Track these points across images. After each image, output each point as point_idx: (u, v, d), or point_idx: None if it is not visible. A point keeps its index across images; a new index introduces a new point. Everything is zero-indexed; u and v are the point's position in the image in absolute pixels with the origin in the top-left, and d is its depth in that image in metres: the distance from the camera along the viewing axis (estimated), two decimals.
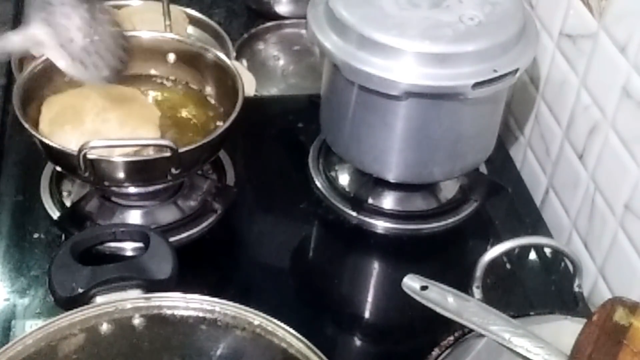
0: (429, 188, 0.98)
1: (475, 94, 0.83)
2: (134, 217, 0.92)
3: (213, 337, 0.66)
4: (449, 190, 0.99)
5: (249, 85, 1.08)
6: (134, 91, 0.95)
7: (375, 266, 0.95)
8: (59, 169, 0.91)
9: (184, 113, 0.97)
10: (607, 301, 0.62)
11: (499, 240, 0.78)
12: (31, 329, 0.64)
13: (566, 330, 0.64)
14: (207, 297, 0.67)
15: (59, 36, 0.75)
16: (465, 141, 0.91)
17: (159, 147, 0.86)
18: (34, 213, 0.93)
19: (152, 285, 0.71)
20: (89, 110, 0.89)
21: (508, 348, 0.63)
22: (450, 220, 0.96)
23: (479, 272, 0.75)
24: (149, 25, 1.07)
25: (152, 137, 0.89)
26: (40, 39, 0.75)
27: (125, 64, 0.80)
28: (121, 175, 0.85)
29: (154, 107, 0.95)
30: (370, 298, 0.91)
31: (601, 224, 0.88)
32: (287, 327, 0.65)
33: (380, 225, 0.95)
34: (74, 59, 0.76)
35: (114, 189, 0.90)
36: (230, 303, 0.67)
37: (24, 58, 1.07)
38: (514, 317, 0.67)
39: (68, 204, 0.93)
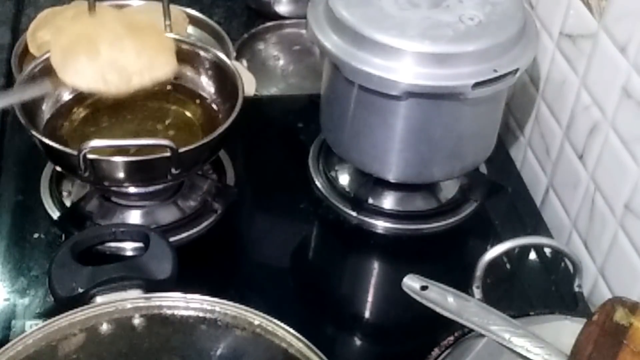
0: (429, 188, 0.98)
1: (475, 94, 0.83)
2: (134, 217, 0.92)
3: (213, 337, 0.66)
4: (449, 190, 0.99)
5: (249, 85, 1.08)
6: (148, 20, 0.93)
7: (375, 266, 0.95)
8: (59, 169, 0.91)
9: (184, 113, 0.97)
10: (607, 301, 0.62)
11: (499, 240, 0.78)
12: (31, 329, 0.64)
13: (566, 330, 0.64)
14: (207, 297, 0.67)
15: None
16: (465, 141, 0.91)
17: (159, 147, 0.86)
18: (34, 213, 0.93)
19: (152, 285, 0.71)
20: (104, 38, 0.87)
21: (508, 348, 0.63)
22: (450, 220, 0.96)
23: (479, 272, 0.75)
24: None
25: (152, 138, 0.89)
26: None
27: None
28: (121, 175, 0.85)
29: (169, 37, 0.93)
30: (370, 298, 0.91)
31: (601, 224, 0.88)
32: (287, 327, 0.65)
33: (380, 225, 0.95)
34: None
35: (114, 189, 0.90)
36: (230, 303, 0.67)
37: (24, 58, 1.07)
38: (514, 317, 0.67)
39: (68, 204, 0.93)
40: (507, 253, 0.82)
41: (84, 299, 0.69)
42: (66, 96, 0.95)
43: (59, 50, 0.87)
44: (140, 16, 0.93)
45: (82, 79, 0.86)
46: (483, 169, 1.02)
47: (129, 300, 0.67)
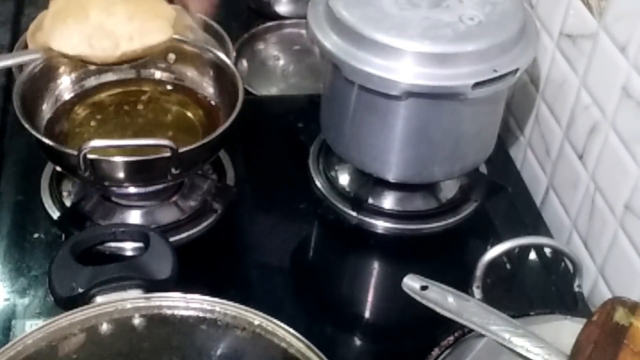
0: (429, 188, 0.98)
1: (475, 94, 0.83)
2: (134, 217, 0.92)
3: (213, 337, 0.66)
4: (449, 190, 0.99)
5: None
6: None
7: (375, 266, 0.95)
8: (59, 169, 0.91)
9: (184, 113, 0.97)
10: (607, 301, 0.62)
11: (499, 240, 0.78)
12: (31, 329, 0.64)
13: (566, 330, 0.64)
14: (207, 297, 0.67)
15: None
16: (465, 141, 0.91)
17: (159, 147, 0.86)
18: (34, 213, 0.93)
19: (152, 285, 0.71)
20: (95, 3, 0.85)
21: (508, 348, 0.63)
22: (450, 220, 0.96)
23: (479, 272, 0.75)
24: None
25: (152, 138, 0.89)
26: None
27: None
28: (121, 175, 0.85)
29: (170, 6, 0.89)
30: (370, 298, 0.91)
31: (601, 224, 0.88)
32: (287, 327, 0.65)
33: (380, 225, 0.95)
34: None
35: (114, 189, 0.90)
36: (230, 303, 0.67)
37: None
38: (514, 317, 0.67)
39: (68, 204, 0.93)
40: (507, 253, 0.82)
41: (84, 299, 0.69)
42: (66, 96, 0.96)
43: (50, 16, 0.85)
44: None
45: (67, 43, 0.83)
46: (483, 169, 1.02)
47: (129, 300, 0.67)
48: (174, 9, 0.93)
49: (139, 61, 0.88)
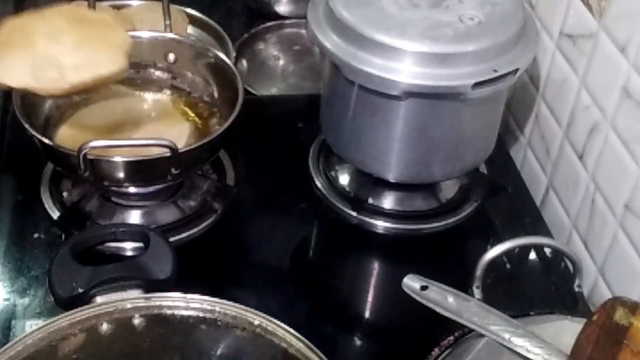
0: (429, 188, 0.98)
1: (475, 94, 0.83)
2: (134, 217, 0.92)
3: (213, 337, 0.66)
4: (449, 190, 0.99)
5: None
6: (104, 16, 0.83)
7: (375, 266, 0.95)
8: (59, 168, 0.91)
9: (184, 113, 0.97)
10: (607, 301, 0.62)
11: (499, 240, 0.78)
12: (31, 329, 0.64)
13: (566, 330, 0.64)
14: (207, 297, 0.67)
15: None
16: (465, 141, 0.91)
17: (159, 147, 0.86)
18: (34, 213, 0.93)
19: (152, 285, 0.71)
20: (42, 31, 0.79)
21: (508, 348, 0.63)
22: (450, 220, 0.96)
23: (479, 272, 0.75)
24: (149, 25, 1.07)
25: (151, 137, 0.89)
26: None
27: None
28: (121, 175, 0.85)
29: (126, 33, 0.83)
30: (370, 298, 0.91)
31: (601, 224, 0.88)
32: (287, 327, 0.65)
33: (380, 225, 0.95)
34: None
35: (114, 189, 0.90)
36: (230, 303, 0.67)
37: None
38: (514, 317, 0.67)
39: (68, 204, 0.93)
40: (507, 253, 0.82)
41: (84, 299, 0.69)
42: None
43: None
44: (94, 12, 0.82)
45: (10, 75, 0.77)
46: (483, 169, 1.02)
47: (129, 300, 0.67)
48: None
49: (92, 92, 0.84)
